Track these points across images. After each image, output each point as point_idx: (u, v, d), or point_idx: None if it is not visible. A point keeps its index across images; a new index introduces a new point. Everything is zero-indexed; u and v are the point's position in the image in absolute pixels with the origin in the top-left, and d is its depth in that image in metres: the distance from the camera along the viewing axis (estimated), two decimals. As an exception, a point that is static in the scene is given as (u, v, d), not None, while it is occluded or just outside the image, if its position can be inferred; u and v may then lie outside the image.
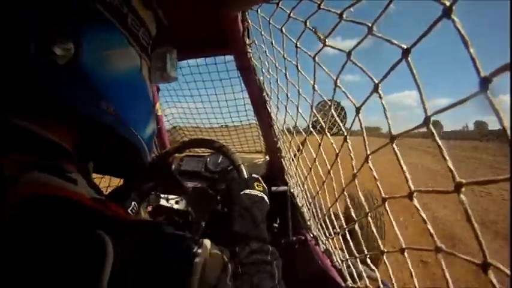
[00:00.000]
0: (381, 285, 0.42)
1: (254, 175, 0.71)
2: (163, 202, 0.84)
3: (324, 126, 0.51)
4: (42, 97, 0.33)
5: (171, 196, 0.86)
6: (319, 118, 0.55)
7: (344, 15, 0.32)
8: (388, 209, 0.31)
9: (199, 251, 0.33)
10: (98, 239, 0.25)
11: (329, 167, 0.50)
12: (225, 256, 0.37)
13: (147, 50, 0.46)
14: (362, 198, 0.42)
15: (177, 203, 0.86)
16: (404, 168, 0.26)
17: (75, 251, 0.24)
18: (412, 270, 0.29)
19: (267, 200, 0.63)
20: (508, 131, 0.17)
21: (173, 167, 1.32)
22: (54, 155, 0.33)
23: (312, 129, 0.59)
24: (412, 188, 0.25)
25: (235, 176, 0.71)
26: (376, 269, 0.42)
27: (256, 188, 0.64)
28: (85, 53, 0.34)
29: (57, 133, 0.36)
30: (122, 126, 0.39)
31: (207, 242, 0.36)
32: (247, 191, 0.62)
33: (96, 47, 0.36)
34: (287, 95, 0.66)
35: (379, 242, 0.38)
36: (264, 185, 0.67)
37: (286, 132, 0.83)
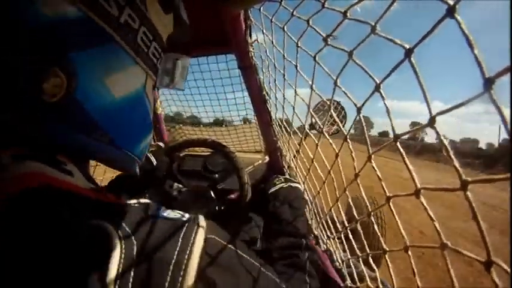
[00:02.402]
0: (380, 286, 0.42)
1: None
2: (166, 188, 0.85)
3: (322, 127, 0.51)
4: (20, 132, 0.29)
5: (174, 184, 0.86)
6: (317, 119, 0.55)
7: (348, 14, 0.32)
8: (392, 207, 0.31)
9: (198, 237, 0.29)
10: (103, 230, 0.23)
11: (329, 167, 0.50)
12: (222, 235, 0.33)
13: (156, 66, 0.40)
14: (365, 197, 0.42)
15: (179, 192, 0.86)
16: (411, 167, 0.26)
17: (78, 244, 0.23)
18: (415, 269, 0.29)
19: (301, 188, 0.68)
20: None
21: (173, 165, 1.31)
22: (49, 148, 0.30)
23: (308, 130, 0.59)
24: (419, 185, 0.25)
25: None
26: (376, 269, 0.41)
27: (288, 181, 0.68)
28: (80, 85, 0.29)
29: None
30: (114, 151, 0.35)
31: (203, 224, 0.31)
32: (284, 185, 0.66)
33: (94, 76, 0.30)
34: (283, 96, 0.65)
35: (382, 241, 0.38)
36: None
37: (285, 132, 0.83)
